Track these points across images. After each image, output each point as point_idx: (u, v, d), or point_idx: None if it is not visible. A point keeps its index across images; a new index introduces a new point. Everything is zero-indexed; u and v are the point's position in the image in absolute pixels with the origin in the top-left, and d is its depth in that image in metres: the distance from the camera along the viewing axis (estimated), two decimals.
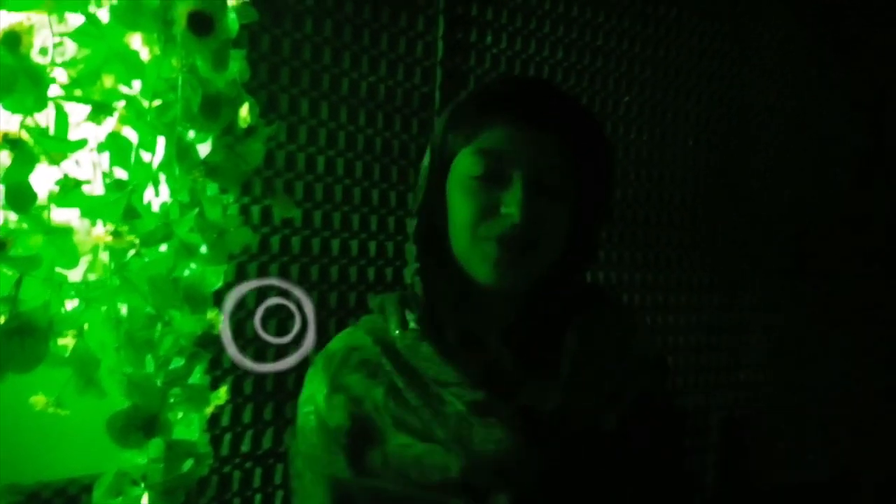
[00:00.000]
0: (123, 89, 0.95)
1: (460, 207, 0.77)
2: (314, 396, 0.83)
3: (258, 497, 1.33)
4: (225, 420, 1.30)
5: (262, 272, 1.35)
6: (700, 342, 1.96)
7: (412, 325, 0.81)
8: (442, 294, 0.81)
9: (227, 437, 1.31)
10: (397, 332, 0.82)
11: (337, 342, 0.86)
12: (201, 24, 0.87)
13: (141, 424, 0.87)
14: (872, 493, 2.22)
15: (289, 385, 1.37)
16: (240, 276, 1.32)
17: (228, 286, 1.30)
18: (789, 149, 2.14)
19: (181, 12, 0.87)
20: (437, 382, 0.77)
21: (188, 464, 0.92)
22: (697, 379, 1.96)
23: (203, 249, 0.94)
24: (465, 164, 0.77)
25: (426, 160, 0.84)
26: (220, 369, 1.29)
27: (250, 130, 1.04)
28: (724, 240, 2.01)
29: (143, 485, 0.96)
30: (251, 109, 1.05)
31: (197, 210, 0.90)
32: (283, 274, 1.37)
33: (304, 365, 1.37)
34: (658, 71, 1.88)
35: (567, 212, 0.78)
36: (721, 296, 2.00)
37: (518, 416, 0.75)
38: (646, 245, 1.86)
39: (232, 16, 1.01)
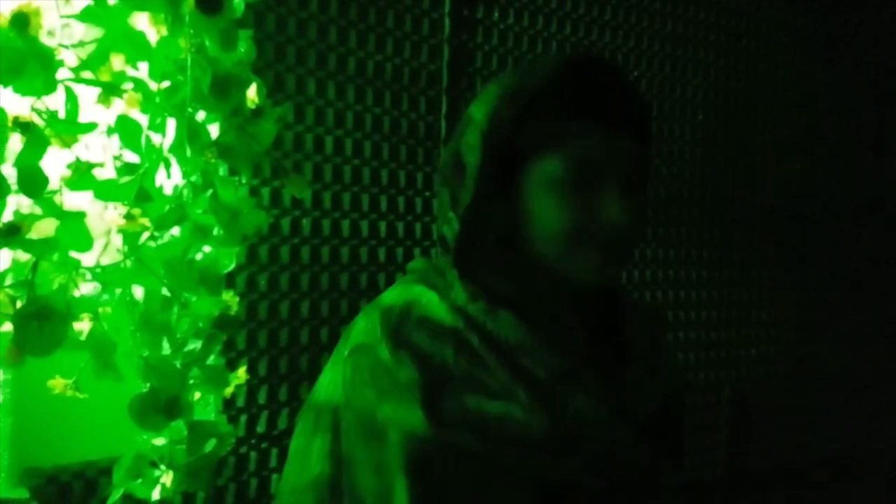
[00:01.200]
0: (131, 71, 0.95)
1: (552, 215, 0.74)
2: (375, 348, 0.74)
3: (274, 477, 1.34)
4: (240, 401, 1.31)
5: (273, 254, 1.35)
6: (710, 318, 1.96)
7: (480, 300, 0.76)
8: (504, 272, 0.79)
9: (243, 417, 1.32)
10: (464, 298, 0.76)
11: (394, 296, 0.79)
12: (209, 2, 0.86)
13: (162, 407, 0.88)
14: (881, 471, 2.23)
15: (302, 366, 1.37)
16: (251, 258, 1.32)
17: (240, 268, 1.31)
18: (798, 124, 2.12)
19: None
20: (519, 348, 0.74)
21: (211, 444, 0.92)
22: (708, 355, 1.96)
23: (216, 231, 0.94)
24: (552, 170, 0.74)
25: (475, 157, 0.75)
26: (234, 351, 1.30)
27: (258, 111, 1.03)
28: (734, 215, 2.00)
29: (163, 466, 0.97)
30: (259, 90, 1.04)
31: (210, 191, 0.90)
32: (294, 256, 1.37)
33: (315, 345, 1.38)
34: (665, 46, 1.86)
35: (647, 201, 0.84)
36: (731, 272, 1.99)
37: (600, 388, 0.76)
38: (655, 221, 1.85)
39: None
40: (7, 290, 0.80)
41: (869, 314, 2.27)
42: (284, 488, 0.80)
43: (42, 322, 0.78)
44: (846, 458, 2.18)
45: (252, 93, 1.02)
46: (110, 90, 0.90)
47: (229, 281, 1.23)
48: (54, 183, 0.86)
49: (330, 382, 0.77)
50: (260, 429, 1.33)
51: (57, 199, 0.86)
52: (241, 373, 1.00)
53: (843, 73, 2.21)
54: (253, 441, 1.32)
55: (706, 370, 1.96)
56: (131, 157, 0.93)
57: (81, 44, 0.90)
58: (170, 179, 0.93)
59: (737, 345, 2.01)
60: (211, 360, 0.99)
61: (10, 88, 0.80)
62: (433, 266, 0.82)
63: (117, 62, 0.93)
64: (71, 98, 0.86)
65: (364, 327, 0.77)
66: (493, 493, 0.71)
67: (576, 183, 0.73)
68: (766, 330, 2.06)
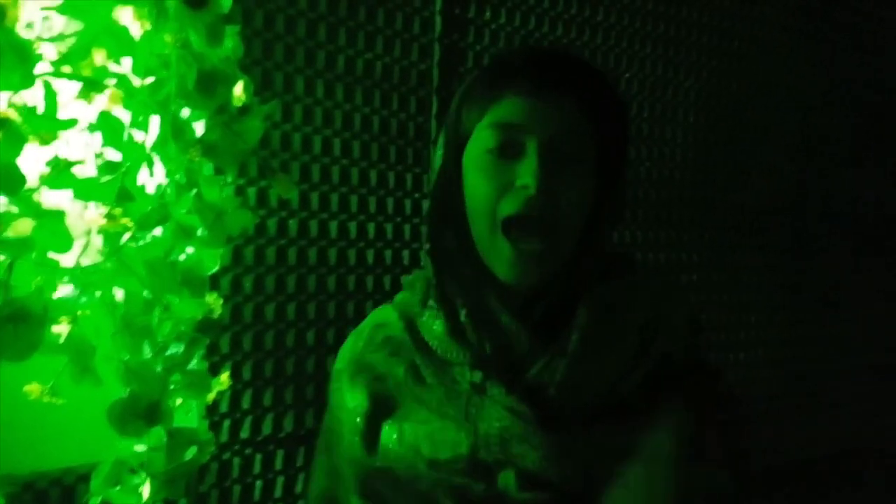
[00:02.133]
0: (113, 67, 0.92)
1: (476, 185, 0.75)
2: (341, 374, 0.86)
3: (258, 483, 1.32)
4: (224, 406, 1.28)
5: (259, 255, 1.32)
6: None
7: (431, 302, 0.82)
8: (456, 274, 0.80)
9: (226, 423, 1.29)
10: (418, 309, 0.83)
11: (369, 318, 0.90)
12: None
13: (142, 412, 0.85)
14: (875, 473, 2.23)
15: (288, 370, 1.35)
16: (236, 259, 1.30)
17: (225, 270, 1.28)
18: (790, 127, 2.12)
19: None
20: (444, 361, 0.78)
21: (191, 451, 0.90)
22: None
23: (200, 232, 0.91)
24: (479, 140, 0.76)
25: (441, 140, 0.83)
26: (217, 355, 1.27)
27: (245, 109, 1.00)
28: (725, 219, 1.99)
29: (142, 473, 0.94)
30: (246, 87, 1.01)
31: (195, 191, 0.87)
32: (281, 257, 1.34)
33: (301, 348, 1.36)
34: (658, 47, 1.85)
35: (589, 177, 0.75)
36: (720, 275, 1.98)
37: (520, 394, 0.75)
38: (645, 223, 1.84)
39: None
40: None
41: (860, 316, 2.28)
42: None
43: (18, 325, 0.76)
44: (837, 460, 2.18)
45: (239, 90, 1.00)
46: (91, 86, 0.87)
47: (213, 283, 1.20)
48: (32, 181, 0.83)
49: (327, 403, 0.90)
50: (243, 434, 1.30)
51: (35, 197, 0.84)
52: (224, 378, 0.97)
53: (835, 75, 2.21)
54: (236, 447, 1.30)
55: None
56: (113, 155, 0.90)
57: (61, 37, 0.87)
58: (153, 178, 0.90)
59: (726, 349, 2.01)
60: (193, 364, 0.96)
61: None
62: (411, 281, 0.88)
63: (99, 57, 0.90)
64: (50, 93, 0.84)
65: (343, 352, 0.89)
66: None
67: (497, 150, 0.74)
68: (755, 333, 2.05)
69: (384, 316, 0.87)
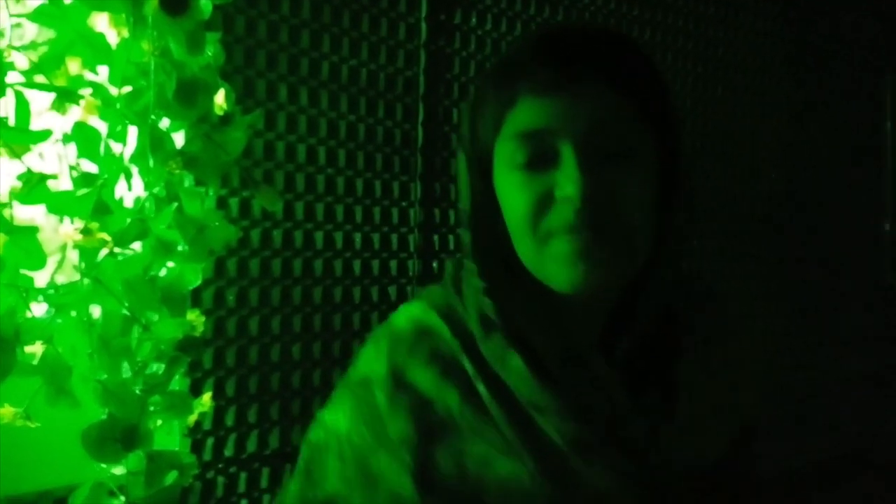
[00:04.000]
0: (89, 76, 0.89)
1: (512, 205, 0.63)
2: (372, 385, 0.68)
3: (244, 503, 1.28)
4: (207, 423, 1.24)
5: (242, 268, 1.29)
6: None
7: (498, 336, 0.66)
8: (521, 309, 0.66)
9: (210, 441, 1.25)
10: (477, 328, 0.66)
11: (404, 318, 0.71)
12: (175, 3, 0.80)
13: (119, 436, 0.81)
14: (876, 475, 2.24)
15: (272, 386, 1.31)
16: (218, 272, 1.26)
17: (207, 283, 1.24)
18: (775, 133, 2.12)
19: None
20: (530, 405, 0.63)
21: (172, 476, 0.86)
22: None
23: (181, 247, 0.88)
24: (504, 156, 0.64)
25: (460, 165, 0.70)
26: (199, 371, 1.23)
27: (227, 118, 0.97)
28: (713, 225, 1.98)
29: (121, 497, 0.90)
30: (227, 96, 0.98)
31: (175, 205, 0.84)
32: (265, 269, 1.31)
33: (287, 363, 1.32)
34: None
35: (647, 168, 0.62)
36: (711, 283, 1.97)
37: (622, 459, 0.63)
38: None
39: None
40: None
41: (856, 320, 2.28)
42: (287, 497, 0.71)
43: None
44: (837, 463, 2.18)
45: (220, 99, 0.97)
46: (66, 96, 0.84)
47: (195, 296, 1.17)
48: (3, 195, 0.79)
49: (338, 406, 0.70)
50: (227, 453, 1.26)
51: (6, 213, 0.80)
52: (206, 399, 0.94)
53: (819, 81, 2.22)
54: (220, 466, 1.26)
55: None
56: (89, 168, 0.87)
57: (34, 45, 0.84)
58: (131, 191, 0.87)
59: None
60: (174, 382, 0.93)
61: None
62: (457, 281, 0.71)
63: (74, 66, 0.87)
64: (22, 104, 0.80)
65: (371, 355, 0.70)
66: None
67: (529, 163, 0.62)
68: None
69: (429, 321, 0.69)
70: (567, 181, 0.59)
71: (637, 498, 0.63)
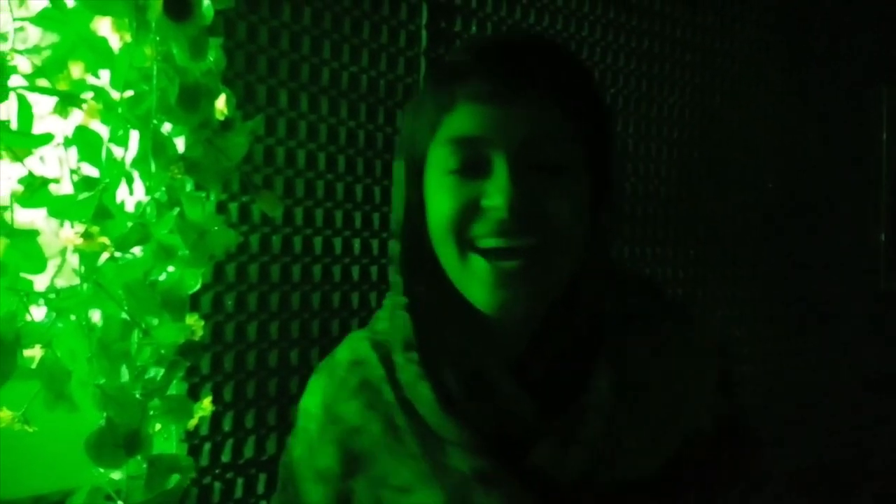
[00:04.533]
0: (91, 80, 0.89)
1: (438, 209, 0.62)
2: (310, 419, 0.71)
3: None
4: (204, 429, 1.23)
5: (241, 273, 1.28)
6: None
7: (414, 355, 0.67)
8: (439, 330, 0.66)
9: (207, 446, 1.24)
10: (400, 358, 0.67)
11: (344, 349, 0.73)
12: (179, 8, 0.81)
13: (120, 441, 0.81)
14: (866, 483, 2.24)
15: (270, 391, 1.31)
16: (217, 277, 1.26)
17: (205, 288, 1.24)
18: (773, 142, 2.14)
19: None
20: (438, 437, 0.64)
21: (173, 479, 0.86)
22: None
23: (181, 252, 0.88)
24: (437, 160, 0.62)
25: (397, 169, 0.69)
26: (197, 376, 1.23)
27: (227, 124, 0.98)
28: (710, 233, 1.99)
29: (118, 502, 0.90)
30: (228, 101, 0.99)
31: (177, 210, 0.84)
32: (264, 274, 1.30)
33: (284, 369, 1.32)
34: (642, 63, 1.85)
35: (578, 183, 0.62)
36: (706, 290, 1.98)
37: (528, 490, 0.62)
38: (631, 240, 1.83)
39: (207, 2, 0.95)
40: None
41: (851, 327, 2.29)
42: None
43: None
44: (827, 470, 2.18)
45: (221, 104, 0.97)
46: (68, 100, 0.84)
47: (193, 301, 1.17)
48: (4, 199, 0.79)
49: (292, 434, 0.74)
50: (225, 458, 1.26)
51: (6, 216, 0.80)
52: (206, 403, 0.94)
53: (816, 92, 2.23)
54: (217, 471, 1.25)
55: None
56: (90, 171, 0.86)
57: (37, 49, 0.84)
58: (132, 196, 0.87)
59: None
60: (172, 387, 0.93)
61: None
62: (392, 309, 0.71)
63: (76, 70, 0.87)
64: (24, 107, 0.80)
65: (311, 388, 0.73)
66: None
67: (461, 170, 0.61)
68: (742, 348, 2.05)
69: (361, 351, 0.70)
70: (496, 191, 0.58)
71: None
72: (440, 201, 0.62)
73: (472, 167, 0.60)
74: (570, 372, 0.64)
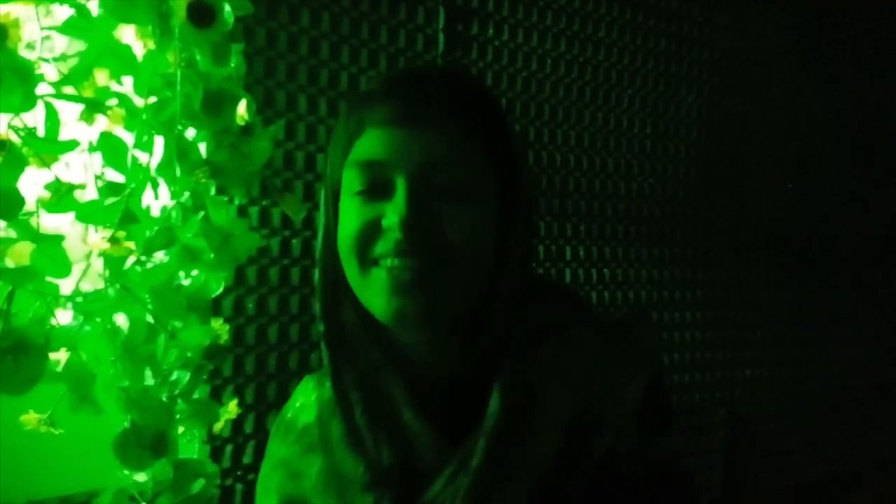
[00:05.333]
0: (115, 86, 0.90)
1: (343, 230, 0.64)
2: (266, 460, 0.74)
3: None
4: (226, 431, 1.25)
5: (262, 276, 1.30)
6: (704, 339, 1.94)
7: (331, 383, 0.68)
8: (354, 360, 0.67)
9: (229, 448, 1.26)
10: (326, 393, 0.68)
11: (296, 394, 0.76)
12: (202, 15, 0.81)
13: (147, 443, 0.82)
14: (878, 490, 2.21)
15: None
16: (238, 280, 1.27)
17: (227, 291, 1.25)
18: (792, 142, 2.12)
19: (180, 3, 0.81)
20: (340, 474, 0.66)
21: (199, 484, 0.86)
22: (703, 376, 1.93)
23: (205, 255, 0.89)
24: (346, 183, 0.65)
25: (320, 193, 0.71)
26: (219, 378, 1.24)
27: (247, 128, 0.98)
28: (728, 235, 1.98)
29: (144, 503, 0.91)
30: (248, 106, 0.99)
31: (202, 214, 0.84)
32: (284, 277, 1.31)
33: (305, 371, 1.33)
34: (659, 63, 1.84)
35: (484, 206, 0.63)
36: (725, 292, 1.97)
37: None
38: (650, 241, 1.82)
39: (227, 8, 0.96)
40: None
41: (864, 333, 2.27)
42: None
43: (18, 356, 0.73)
44: (842, 478, 2.16)
45: (242, 109, 0.98)
46: (93, 106, 0.85)
47: (215, 305, 1.18)
48: (30, 204, 0.81)
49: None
50: (246, 460, 1.27)
51: (33, 221, 0.81)
52: (232, 406, 0.94)
53: (835, 91, 2.21)
54: (239, 473, 1.26)
55: (700, 391, 1.93)
56: (115, 177, 0.88)
57: (63, 57, 0.85)
58: (157, 200, 0.88)
59: (731, 366, 1.99)
60: (197, 391, 0.94)
61: None
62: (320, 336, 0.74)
63: (101, 77, 0.88)
64: (51, 115, 0.81)
65: (271, 433, 0.76)
66: None
67: (365, 191, 0.63)
68: (761, 350, 2.04)
69: (307, 392, 0.72)
70: (393, 212, 0.60)
71: None
72: (346, 222, 0.63)
73: (376, 189, 0.62)
74: (473, 397, 0.64)
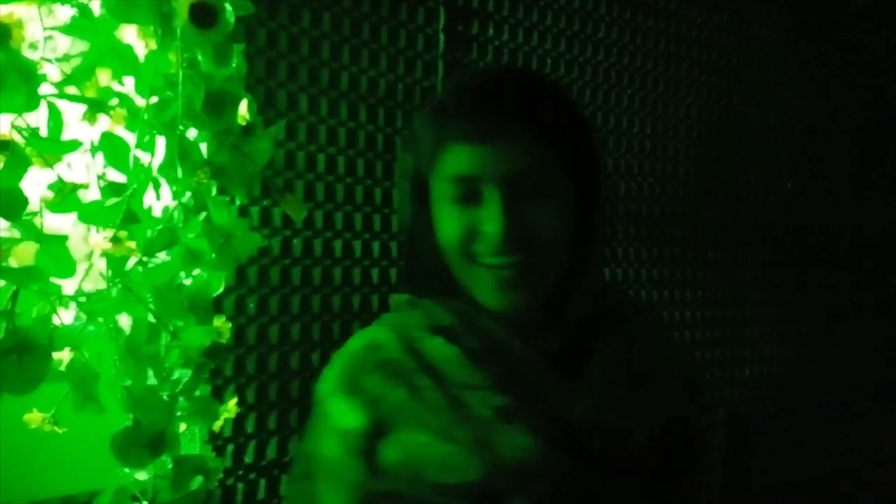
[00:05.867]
0: (116, 87, 0.90)
1: (446, 234, 0.74)
2: (330, 398, 0.79)
3: None
4: (227, 430, 1.25)
5: (263, 276, 1.30)
6: (704, 338, 1.94)
7: (437, 329, 0.78)
8: (453, 308, 0.78)
9: (230, 447, 1.26)
10: (422, 333, 0.78)
11: (356, 340, 0.82)
12: (204, 15, 0.82)
13: (146, 441, 0.82)
14: (878, 489, 2.22)
15: (292, 393, 1.32)
16: (239, 280, 1.27)
17: (228, 291, 1.25)
18: (790, 142, 2.12)
19: (182, 3, 0.81)
20: (463, 386, 0.74)
21: (198, 481, 0.87)
22: (703, 376, 1.94)
23: (208, 256, 0.89)
24: (438, 190, 0.75)
25: (403, 193, 0.81)
26: (220, 378, 1.24)
27: (249, 129, 0.99)
28: (727, 234, 1.98)
29: (144, 502, 0.91)
30: (249, 107, 1.00)
31: (204, 214, 0.85)
32: (285, 277, 1.32)
33: (306, 371, 1.33)
34: (659, 64, 1.85)
35: (562, 201, 0.74)
36: (724, 291, 1.97)
37: (544, 424, 0.72)
38: (649, 240, 1.83)
39: (228, 8, 0.96)
40: None
41: (863, 332, 2.27)
42: None
43: (22, 356, 0.73)
44: (842, 476, 2.17)
45: (243, 109, 0.98)
46: (96, 106, 0.85)
47: (216, 304, 1.18)
48: (34, 204, 0.81)
49: (310, 433, 0.82)
50: (248, 459, 1.27)
51: (37, 221, 0.81)
52: (232, 405, 0.95)
53: (834, 89, 2.22)
54: (240, 472, 1.27)
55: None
56: (117, 177, 0.88)
57: (66, 57, 0.85)
58: (159, 201, 0.88)
59: (731, 365, 1.99)
60: (198, 390, 0.94)
61: None
62: (405, 302, 0.84)
63: (103, 77, 0.88)
64: (54, 115, 0.82)
65: (328, 375, 0.80)
66: None
67: (459, 199, 0.73)
68: (759, 349, 2.04)
69: (377, 337, 0.81)
70: (489, 220, 0.71)
71: (557, 461, 0.72)
72: (447, 226, 0.74)
73: (469, 198, 0.72)
74: (573, 345, 0.77)
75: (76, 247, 0.87)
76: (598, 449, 0.73)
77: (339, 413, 0.77)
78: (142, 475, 0.92)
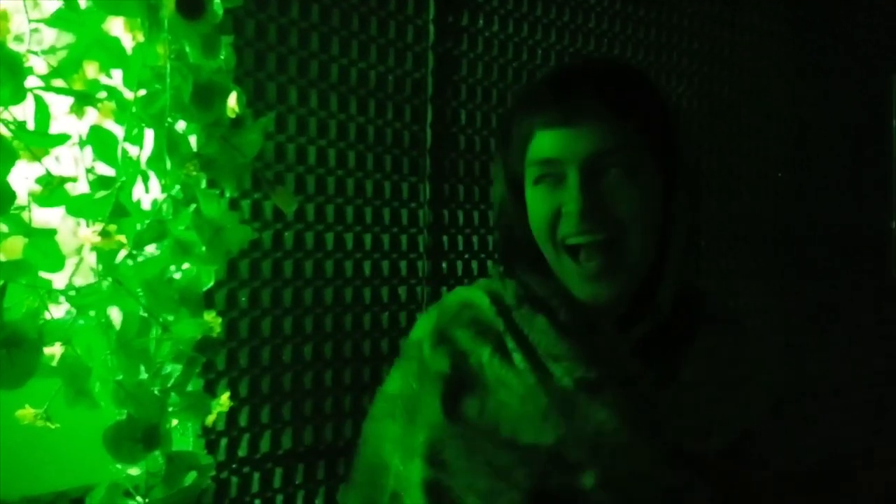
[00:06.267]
0: (104, 79, 0.89)
1: (534, 216, 0.78)
2: (421, 344, 0.83)
3: (257, 502, 1.29)
4: (220, 424, 1.25)
5: (255, 269, 1.29)
6: None
7: (526, 299, 0.81)
8: (545, 291, 0.81)
9: (223, 441, 1.26)
10: (514, 302, 0.81)
11: (453, 296, 0.87)
12: (191, 7, 0.81)
13: (139, 436, 0.82)
14: (874, 479, 2.24)
15: (285, 386, 1.32)
16: (231, 273, 1.27)
17: (220, 284, 1.25)
18: (782, 133, 2.13)
19: None
20: (548, 355, 0.77)
21: (191, 476, 0.87)
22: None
23: (198, 248, 0.88)
24: (529, 176, 0.78)
25: (498, 185, 0.86)
26: (213, 372, 1.24)
27: (238, 121, 0.98)
28: (720, 227, 1.99)
29: (137, 498, 0.91)
30: (238, 99, 0.99)
31: (193, 206, 0.84)
32: (277, 270, 1.31)
33: (299, 364, 1.33)
34: (650, 53, 1.85)
35: (648, 183, 0.75)
36: (718, 284, 1.98)
37: (625, 403, 0.75)
38: None
39: (216, 0, 0.95)
40: None
41: (861, 325, 2.28)
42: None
43: (12, 350, 0.73)
44: (839, 466, 2.18)
45: (232, 102, 0.98)
46: (83, 99, 0.84)
47: (207, 298, 1.18)
48: (22, 198, 0.80)
49: (392, 375, 0.86)
50: (241, 453, 1.27)
51: (25, 215, 0.81)
52: (224, 399, 0.94)
53: (825, 80, 2.22)
54: (234, 466, 1.27)
55: None
56: (105, 170, 0.87)
57: (52, 50, 0.84)
58: (148, 194, 0.88)
59: None
60: (189, 383, 0.94)
61: None
62: (500, 271, 0.87)
63: (91, 70, 0.88)
64: (41, 108, 0.81)
65: (422, 323, 0.86)
66: (492, 490, 0.74)
67: (545, 181, 0.76)
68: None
69: (472, 297, 0.85)
70: (570, 200, 0.74)
71: (635, 433, 0.74)
72: (535, 210, 0.78)
73: (554, 179, 0.76)
74: (660, 338, 0.78)
75: (65, 241, 0.86)
76: (675, 441, 0.76)
77: (426, 357, 0.81)
78: (134, 471, 0.92)
